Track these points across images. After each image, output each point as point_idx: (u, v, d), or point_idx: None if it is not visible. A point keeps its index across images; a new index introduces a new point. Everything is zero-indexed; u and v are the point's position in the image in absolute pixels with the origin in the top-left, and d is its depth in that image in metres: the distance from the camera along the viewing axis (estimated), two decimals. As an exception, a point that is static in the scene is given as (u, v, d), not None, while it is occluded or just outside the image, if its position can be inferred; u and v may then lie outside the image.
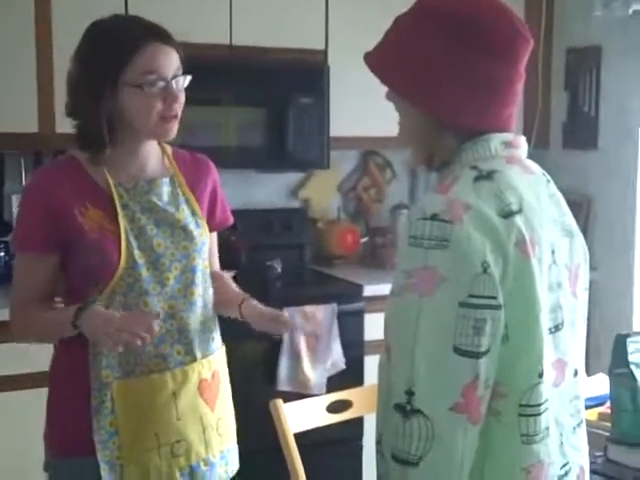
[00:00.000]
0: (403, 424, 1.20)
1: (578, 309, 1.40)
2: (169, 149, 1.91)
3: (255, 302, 1.93)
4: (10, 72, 3.01)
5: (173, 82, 1.74)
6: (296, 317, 3.08)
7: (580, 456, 1.41)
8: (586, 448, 1.44)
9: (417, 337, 1.20)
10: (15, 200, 3.29)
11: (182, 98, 1.77)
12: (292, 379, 3.10)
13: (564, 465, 1.36)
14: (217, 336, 1.94)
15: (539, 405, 1.29)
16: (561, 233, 1.37)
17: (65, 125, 3.00)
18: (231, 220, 2.03)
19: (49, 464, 1.88)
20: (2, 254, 3.23)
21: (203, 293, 1.88)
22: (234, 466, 1.97)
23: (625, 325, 3.60)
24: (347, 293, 3.25)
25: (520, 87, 1.36)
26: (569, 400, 1.38)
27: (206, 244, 1.89)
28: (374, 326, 2.98)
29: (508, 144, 1.35)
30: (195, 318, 1.85)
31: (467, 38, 1.28)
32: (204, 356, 1.87)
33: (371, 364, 3.09)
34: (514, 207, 1.26)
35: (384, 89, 1.39)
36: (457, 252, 1.20)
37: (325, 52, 3.46)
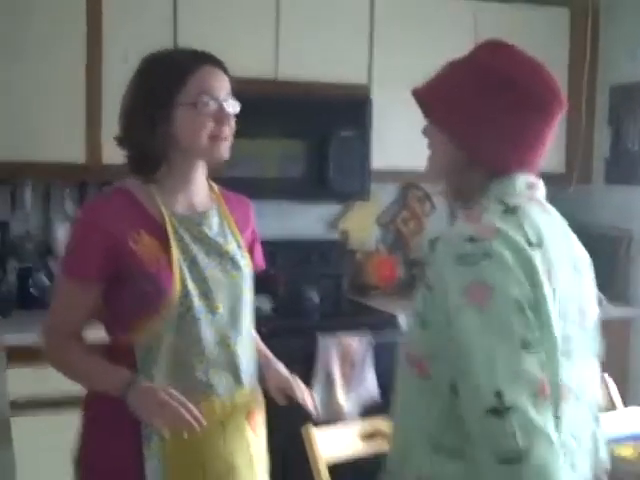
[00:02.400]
0: (503, 424, 1.26)
1: (588, 343, 1.48)
2: (216, 187, 1.95)
3: (280, 366, 1.97)
4: (59, 103, 3.09)
5: (225, 104, 1.79)
6: (331, 346, 3.11)
7: None
8: None
9: (487, 344, 1.29)
10: (59, 228, 3.33)
11: (233, 121, 1.81)
12: (325, 407, 3.08)
13: None
14: (258, 370, 1.95)
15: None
16: (572, 270, 1.46)
17: (112, 157, 3.09)
18: (263, 265, 2.04)
19: None
20: (45, 279, 3.28)
21: (249, 324, 1.89)
22: None
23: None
24: (383, 324, 3.25)
25: (550, 139, 1.49)
26: (584, 432, 1.46)
27: (251, 276, 1.90)
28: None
29: (531, 185, 1.47)
30: (243, 347, 1.85)
31: (508, 96, 1.43)
32: (251, 386, 1.88)
33: (407, 396, 3.08)
34: (535, 240, 1.37)
35: (424, 123, 1.52)
36: (500, 260, 1.32)
37: (368, 86, 3.51)
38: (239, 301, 1.85)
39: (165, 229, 1.78)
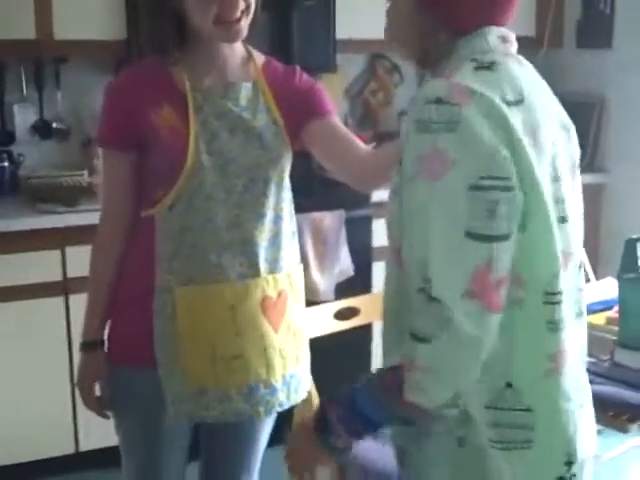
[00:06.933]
0: (427, 305, 1.20)
1: (578, 204, 1.38)
2: (261, 58, 1.84)
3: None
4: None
5: None
6: (303, 225, 3.08)
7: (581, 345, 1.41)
8: (585, 338, 1.42)
9: (430, 223, 1.19)
10: (17, 109, 3.28)
11: (241, 2, 1.68)
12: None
13: None
14: (291, 255, 1.85)
15: (561, 293, 1.28)
16: (559, 125, 1.35)
17: (63, 31, 2.99)
18: (331, 109, 1.88)
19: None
20: (6, 164, 3.20)
21: (275, 207, 1.79)
22: (298, 395, 1.88)
23: (636, 229, 3.57)
24: (355, 199, 3.21)
25: None
26: (572, 291, 1.36)
27: (284, 156, 1.80)
28: (382, 232, 2.96)
29: (504, 39, 1.32)
30: (263, 231, 1.77)
31: None
32: (270, 272, 1.79)
33: (379, 270, 3.09)
34: (516, 97, 1.24)
35: None
36: (467, 133, 1.18)
37: (331, -50, 3.35)
38: (263, 182, 1.76)
39: (186, 102, 1.73)
